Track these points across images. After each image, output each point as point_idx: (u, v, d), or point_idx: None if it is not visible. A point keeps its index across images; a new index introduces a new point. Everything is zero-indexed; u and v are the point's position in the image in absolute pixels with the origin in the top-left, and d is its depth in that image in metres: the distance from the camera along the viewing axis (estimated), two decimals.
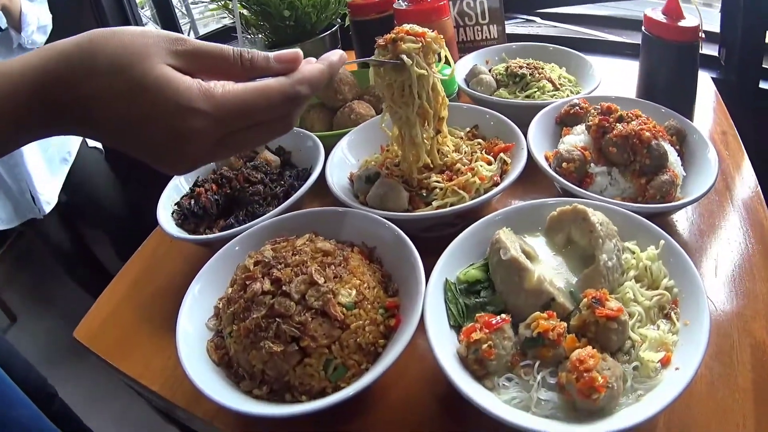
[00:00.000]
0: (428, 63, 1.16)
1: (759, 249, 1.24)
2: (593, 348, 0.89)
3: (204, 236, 1.25)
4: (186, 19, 3.84)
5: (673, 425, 0.95)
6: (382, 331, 0.98)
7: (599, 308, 0.91)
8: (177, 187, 1.42)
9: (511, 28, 2.50)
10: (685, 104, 1.55)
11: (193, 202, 1.32)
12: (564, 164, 1.23)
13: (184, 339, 0.97)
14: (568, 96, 1.59)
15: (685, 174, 1.28)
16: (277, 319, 0.89)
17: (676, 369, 0.89)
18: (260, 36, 1.88)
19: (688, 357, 0.88)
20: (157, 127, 0.60)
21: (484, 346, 0.90)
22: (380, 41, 1.15)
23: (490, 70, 1.74)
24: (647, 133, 1.21)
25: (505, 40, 1.95)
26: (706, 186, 1.19)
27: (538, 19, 2.58)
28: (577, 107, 1.40)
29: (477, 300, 1.01)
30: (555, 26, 2.54)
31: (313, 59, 0.74)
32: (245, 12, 1.89)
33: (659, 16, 1.47)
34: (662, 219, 1.22)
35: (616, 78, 1.80)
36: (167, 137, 0.61)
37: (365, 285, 0.99)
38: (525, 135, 1.35)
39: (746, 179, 1.44)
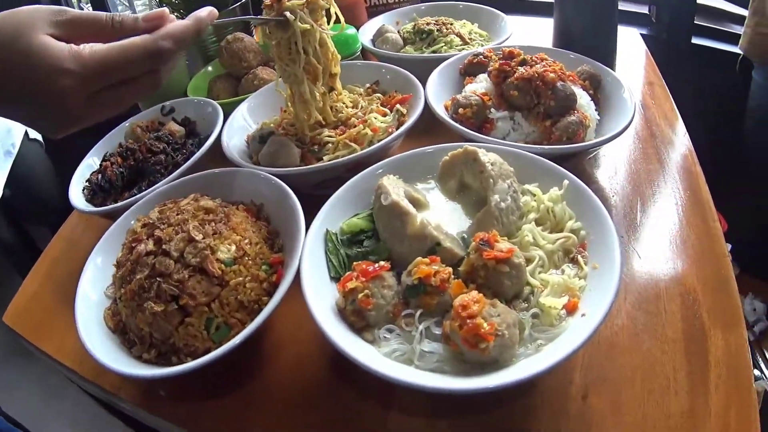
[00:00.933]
0: (315, 19, 1.16)
1: (688, 195, 1.19)
2: (485, 295, 0.81)
3: (105, 207, 1.30)
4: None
5: (591, 380, 0.88)
6: (266, 288, 0.96)
7: (487, 250, 0.83)
8: (90, 165, 1.47)
9: None
10: (603, 56, 1.49)
11: (100, 176, 1.38)
12: (461, 110, 1.17)
13: (84, 308, 0.99)
14: None
15: (599, 118, 1.22)
16: (158, 279, 0.90)
17: (583, 315, 0.81)
18: (175, 15, 1.87)
19: (597, 302, 0.81)
20: (39, 91, 0.69)
21: (361, 295, 0.83)
22: (267, 1, 1.15)
23: (399, 31, 1.70)
24: (552, 75, 1.15)
25: (417, 1, 1.90)
26: (622, 127, 1.13)
27: None
28: (481, 56, 1.34)
29: (359, 250, 0.95)
30: None
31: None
32: None
33: None
34: (573, 163, 1.15)
35: (531, 34, 1.76)
36: (46, 99, 0.70)
37: (246, 241, 0.98)
38: None
39: (674, 127, 1.40)
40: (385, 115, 1.25)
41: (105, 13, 0.75)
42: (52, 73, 0.69)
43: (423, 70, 1.39)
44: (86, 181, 1.42)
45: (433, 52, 1.55)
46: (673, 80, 1.66)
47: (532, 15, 2.17)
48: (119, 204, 1.25)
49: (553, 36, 1.57)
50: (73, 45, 0.71)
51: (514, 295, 0.85)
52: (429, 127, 1.23)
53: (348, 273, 0.89)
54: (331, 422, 0.90)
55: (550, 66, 1.19)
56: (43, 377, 2.68)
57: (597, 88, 1.29)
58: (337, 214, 1.01)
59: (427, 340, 0.81)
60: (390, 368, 0.77)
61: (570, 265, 0.91)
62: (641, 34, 1.91)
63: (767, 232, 2.10)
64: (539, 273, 0.89)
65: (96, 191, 1.37)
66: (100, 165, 1.44)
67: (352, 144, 1.18)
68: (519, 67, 1.19)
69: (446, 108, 1.26)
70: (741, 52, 1.96)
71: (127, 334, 0.96)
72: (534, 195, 0.98)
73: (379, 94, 1.36)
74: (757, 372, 1.82)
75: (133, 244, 0.95)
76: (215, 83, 1.67)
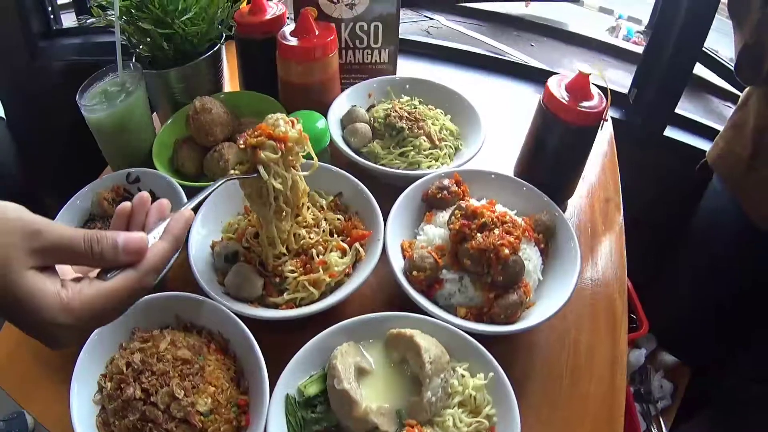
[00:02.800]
0: (288, 165, 1.27)
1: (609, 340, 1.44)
2: None
3: None
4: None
5: None
6: (236, 426, 1.20)
7: None
8: None
9: (406, 26, 2.61)
10: (567, 181, 1.72)
11: None
12: (414, 272, 1.36)
13: (77, 413, 1.17)
14: (444, 156, 1.75)
15: (541, 278, 1.46)
16: (149, 424, 1.12)
17: None
18: (136, 63, 1.70)
19: None
20: (29, 330, 0.77)
21: None
22: (240, 143, 1.22)
23: (369, 108, 1.85)
24: (506, 250, 1.32)
25: (395, 63, 2.02)
26: (561, 301, 1.34)
27: (442, 19, 2.70)
28: (445, 192, 1.52)
29: (313, 415, 1.21)
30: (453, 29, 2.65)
31: (158, 240, 0.86)
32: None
33: (562, 93, 1.52)
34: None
35: (503, 128, 1.90)
36: (40, 337, 0.78)
37: (219, 390, 1.20)
38: (388, 212, 1.49)
39: (615, 262, 1.63)
40: (344, 253, 1.42)
41: (82, 238, 0.78)
42: (44, 325, 0.75)
43: (383, 174, 1.63)
44: None
45: (401, 154, 1.72)
46: (630, 165, 1.87)
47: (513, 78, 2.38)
48: None
49: (521, 148, 1.74)
50: (60, 291, 0.75)
51: None
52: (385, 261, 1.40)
53: None
54: None
55: (508, 233, 1.36)
56: None
57: (549, 239, 1.51)
58: (296, 373, 1.24)
59: None
60: None
61: None
62: (612, 118, 2.06)
63: (687, 320, 2.37)
64: None
65: None
66: None
67: (311, 288, 1.35)
68: (477, 234, 1.35)
69: (403, 249, 1.46)
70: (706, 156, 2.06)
71: None
72: (463, 376, 1.24)
73: (339, 216, 1.49)
74: None
75: (121, 385, 1.17)
76: (181, 148, 1.70)
